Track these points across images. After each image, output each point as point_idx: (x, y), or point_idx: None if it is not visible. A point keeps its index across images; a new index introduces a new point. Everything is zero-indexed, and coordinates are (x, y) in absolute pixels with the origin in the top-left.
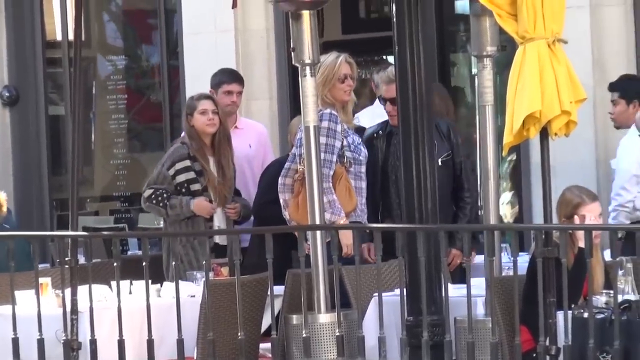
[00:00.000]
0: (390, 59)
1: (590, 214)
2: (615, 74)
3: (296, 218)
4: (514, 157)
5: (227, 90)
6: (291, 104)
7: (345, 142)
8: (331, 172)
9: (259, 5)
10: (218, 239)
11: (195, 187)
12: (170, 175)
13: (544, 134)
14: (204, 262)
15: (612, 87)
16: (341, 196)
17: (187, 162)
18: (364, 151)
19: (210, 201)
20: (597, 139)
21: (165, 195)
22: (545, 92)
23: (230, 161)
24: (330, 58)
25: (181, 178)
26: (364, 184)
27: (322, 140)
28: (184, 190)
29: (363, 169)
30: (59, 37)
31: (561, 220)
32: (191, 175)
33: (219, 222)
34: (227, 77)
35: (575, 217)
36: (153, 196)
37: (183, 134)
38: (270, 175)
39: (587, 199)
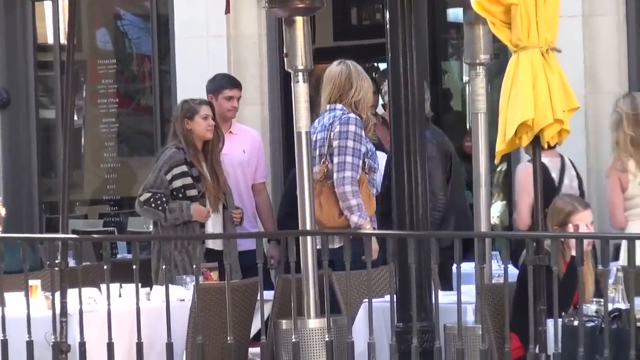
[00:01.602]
0: (382, 65)
1: (583, 222)
2: (607, 84)
3: (320, 218)
4: (504, 167)
5: (229, 95)
6: (283, 109)
7: (364, 149)
8: (358, 176)
9: (252, 10)
10: (212, 244)
11: (192, 192)
12: (167, 180)
13: (537, 142)
14: (194, 266)
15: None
16: (364, 201)
17: (184, 168)
18: (377, 159)
19: (205, 207)
20: (588, 147)
21: (164, 199)
22: (538, 100)
23: (222, 167)
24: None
25: (178, 183)
26: (374, 191)
27: (350, 144)
28: (180, 195)
29: (375, 176)
30: (50, 41)
31: (553, 229)
32: (188, 180)
33: (212, 227)
34: (228, 83)
35: (570, 225)
36: (152, 199)
37: (171, 137)
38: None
39: (580, 206)
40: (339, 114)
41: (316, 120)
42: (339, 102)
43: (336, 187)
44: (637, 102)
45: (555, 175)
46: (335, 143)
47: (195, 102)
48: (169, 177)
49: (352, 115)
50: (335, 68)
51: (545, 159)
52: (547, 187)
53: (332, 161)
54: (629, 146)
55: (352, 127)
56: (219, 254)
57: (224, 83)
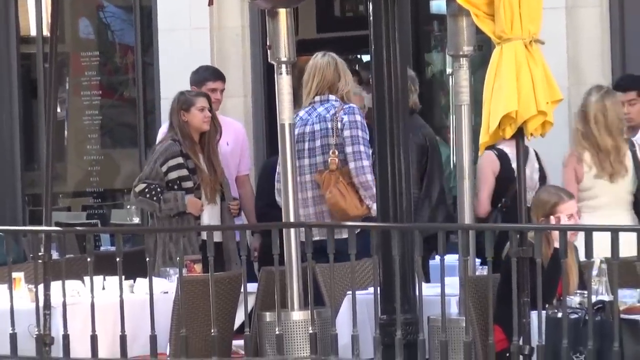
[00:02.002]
0: (365, 57)
1: (568, 211)
2: (591, 76)
3: (344, 207)
4: None
5: (212, 87)
6: (266, 102)
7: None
8: (371, 164)
9: (235, 2)
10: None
11: (188, 184)
12: (163, 172)
13: (520, 134)
14: (178, 258)
15: (626, 86)
16: None
17: (180, 160)
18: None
19: (200, 199)
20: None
21: (159, 189)
22: (521, 92)
23: (219, 158)
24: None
25: (173, 175)
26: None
27: (360, 133)
28: (175, 187)
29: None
30: (33, 33)
31: (539, 221)
32: (184, 172)
33: (209, 219)
34: (212, 75)
35: (551, 217)
36: (147, 190)
37: (164, 130)
38: (266, 178)
39: (565, 196)
40: (337, 104)
41: (302, 112)
42: (329, 94)
43: (356, 176)
44: (589, 99)
45: (515, 165)
46: (346, 133)
47: (192, 94)
48: (164, 168)
49: (354, 105)
50: (322, 60)
51: (507, 148)
52: (505, 176)
53: (341, 151)
54: (582, 140)
55: (358, 117)
56: (217, 245)
57: (207, 75)
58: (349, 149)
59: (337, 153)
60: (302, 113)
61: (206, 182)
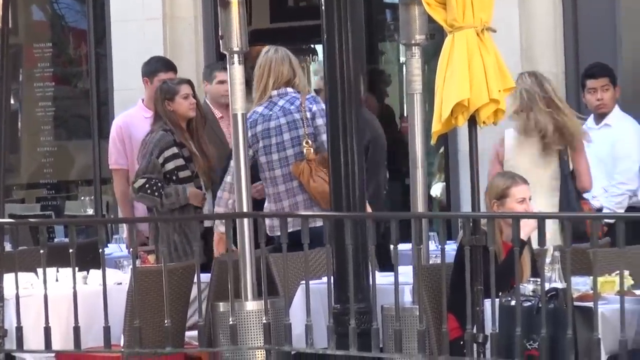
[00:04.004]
0: (319, 47)
1: (521, 195)
2: (544, 64)
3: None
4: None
5: (164, 79)
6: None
7: None
8: None
9: None
10: (209, 222)
11: (185, 173)
12: (160, 163)
13: (472, 122)
14: (132, 249)
15: (600, 73)
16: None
17: (175, 149)
18: None
19: (200, 187)
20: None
21: (159, 184)
22: (473, 80)
23: (208, 143)
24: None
25: (170, 166)
26: None
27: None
28: (173, 178)
29: None
30: None
31: (491, 203)
32: (180, 162)
33: (209, 207)
34: (163, 66)
35: (507, 199)
36: (147, 185)
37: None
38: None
39: (519, 180)
40: (298, 95)
41: (261, 108)
42: (285, 88)
43: None
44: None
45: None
46: (319, 121)
47: (174, 83)
48: (161, 160)
49: (314, 94)
50: (275, 55)
51: None
52: None
53: (314, 140)
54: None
55: (323, 105)
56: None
57: (158, 66)
58: (324, 137)
59: (310, 143)
60: (260, 109)
61: (202, 169)
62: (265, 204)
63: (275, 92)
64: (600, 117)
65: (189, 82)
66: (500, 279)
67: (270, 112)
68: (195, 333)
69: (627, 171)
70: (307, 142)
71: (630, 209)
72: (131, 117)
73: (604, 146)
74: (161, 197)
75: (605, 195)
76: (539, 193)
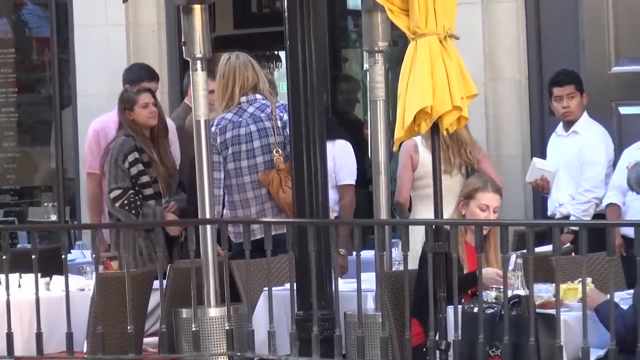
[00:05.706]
0: (282, 54)
1: (486, 202)
2: (507, 70)
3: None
4: None
5: (146, 87)
6: (182, 98)
7: None
8: None
9: None
10: (171, 230)
11: (145, 179)
12: (127, 168)
13: (435, 129)
14: (95, 255)
15: (565, 81)
16: None
17: (136, 154)
18: None
19: (159, 193)
20: (488, 134)
21: (138, 202)
22: (436, 87)
23: (169, 152)
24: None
25: (134, 171)
26: None
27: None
28: (139, 182)
29: None
30: None
31: (460, 200)
32: (140, 167)
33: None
34: (146, 74)
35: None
36: (125, 202)
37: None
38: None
39: (490, 187)
40: (268, 103)
41: (230, 115)
42: (254, 94)
43: None
44: None
45: None
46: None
47: (133, 92)
48: (126, 165)
49: (284, 102)
50: (237, 61)
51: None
52: None
53: (284, 149)
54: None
55: None
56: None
57: (141, 74)
58: None
59: (280, 152)
60: (230, 115)
61: (162, 176)
62: (225, 211)
63: (244, 99)
64: (568, 124)
65: (148, 91)
66: (465, 281)
67: (240, 119)
68: (153, 340)
69: (594, 178)
70: (277, 151)
71: (597, 216)
72: (107, 122)
73: (571, 153)
74: (137, 215)
75: (572, 203)
76: (448, 200)
